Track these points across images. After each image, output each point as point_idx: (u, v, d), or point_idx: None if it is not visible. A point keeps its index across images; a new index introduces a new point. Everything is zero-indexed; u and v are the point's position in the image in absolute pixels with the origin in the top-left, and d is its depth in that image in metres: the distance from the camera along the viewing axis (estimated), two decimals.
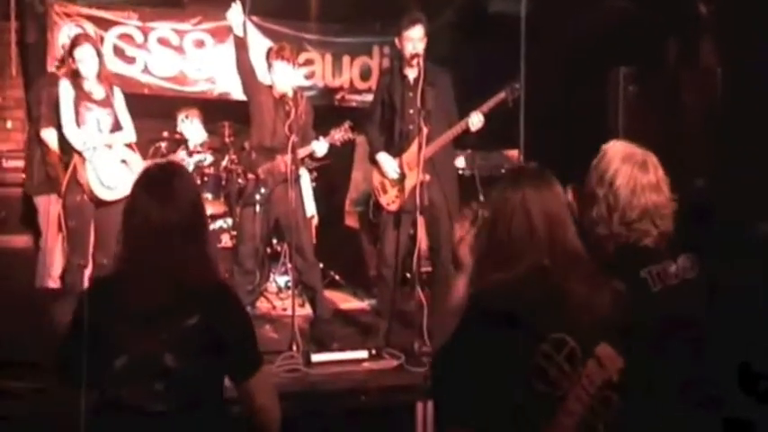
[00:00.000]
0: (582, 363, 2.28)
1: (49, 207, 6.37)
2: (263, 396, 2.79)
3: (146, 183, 2.70)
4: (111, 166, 5.80)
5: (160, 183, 2.67)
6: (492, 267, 2.43)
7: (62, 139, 5.81)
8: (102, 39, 7.59)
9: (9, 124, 7.37)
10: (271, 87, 5.96)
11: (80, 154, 5.70)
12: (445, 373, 2.42)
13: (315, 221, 6.43)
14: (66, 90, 5.75)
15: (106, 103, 5.88)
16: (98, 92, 5.87)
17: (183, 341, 2.55)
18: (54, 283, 6.30)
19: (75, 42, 5.84)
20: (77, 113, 5.73)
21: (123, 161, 5.91)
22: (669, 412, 2.76)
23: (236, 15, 5.81)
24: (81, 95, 5.77)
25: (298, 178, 5.76)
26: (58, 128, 5.77)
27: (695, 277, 2.89)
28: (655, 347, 2.79)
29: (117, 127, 5.92)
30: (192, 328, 2.56)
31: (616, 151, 2.89)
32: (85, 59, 5.76)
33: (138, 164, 6.05)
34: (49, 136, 6.21)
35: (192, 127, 7.31)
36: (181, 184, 2.68)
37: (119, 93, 6.02)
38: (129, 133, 5.98)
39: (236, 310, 2.77)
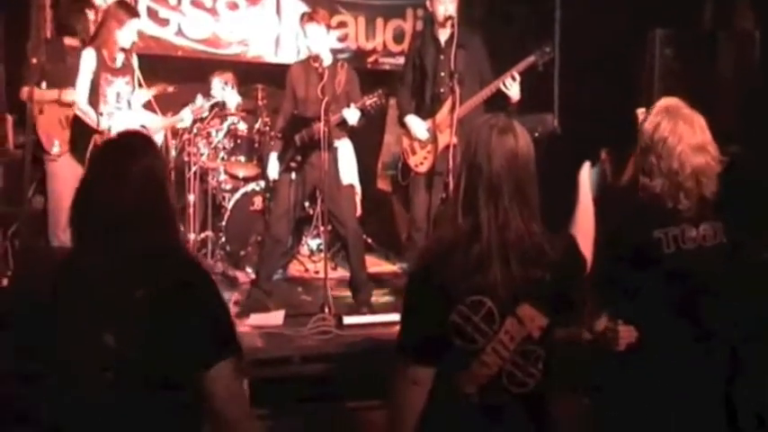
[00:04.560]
0: (500, 321, 2.45)
1: (55, 168, 6.40)
2: (224, 395, 2.35)
3: (100, 157, 2.54)
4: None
5: (115, 159, 2.46)
6: (446, 224, 2.59)
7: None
8: (136, 1, 7.59)
9: (44, 86, 7.40)
10: (304, 60, 6.02)
11: (98, 131, 5.74)
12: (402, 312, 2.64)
13: (357, 191, 6.40)
14: (89, 60, 5.74)
15: (126, 70, 5.92)
16: (119, 59, 5.89)
17: (129, 320, 2.30)
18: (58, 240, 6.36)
19: (127, 13, 5.87)
20: (98, 85, 5.76)
21: (143, 126, 5.93)
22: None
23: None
24: (103, 66, 5.78)
25: (332, 144, 5.77)
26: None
27: (715, 245, 2.93)
28: (659, 305, 2.86)
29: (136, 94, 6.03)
30: (138, 304, 2.29)
31: (671, 110, 3.02)
32: (132, 32, 5.84)
33: (157, 126, 6.07)
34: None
35: (227, 92, 7.33)
36: (138, 160, 2.42)
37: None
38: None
39: (203, 289, 2.41)
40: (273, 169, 6.04)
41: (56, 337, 2.38)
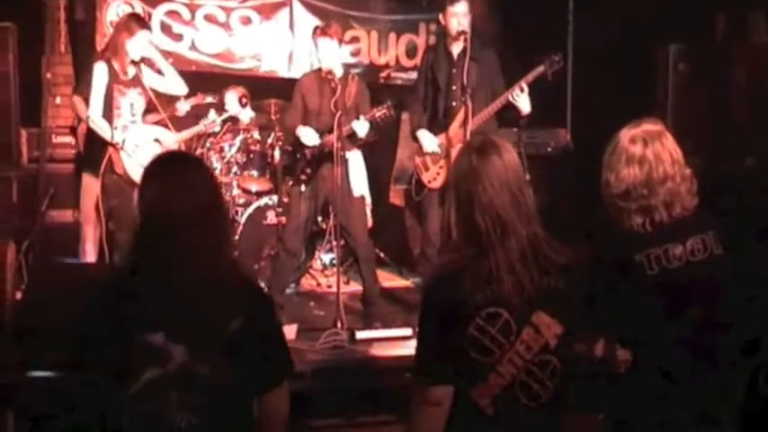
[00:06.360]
0: (516, 332, 2.45)
1: (87, 183, 6.42)
2: (278, 411, 2.54)
3: (163, 171, 2.48)
4: (144, 145, 5.86)
5: (179, 172, 2.47)
6: (452, 247, 2.58)
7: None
8: (149, 16, 7.63)
9: (58, 100, 7.44)
10: (315, 72, 6.01)
11: (112, 144, 5.77)
12: (418, 335, 2.64)
13: (368, 202, 6.40)
14: (101, 73, 5.77)
15: (136, 81, 5.94)
16: (130, 71, 5.92)
17: (224, 349, 2.34)
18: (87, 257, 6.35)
19: (138, 25, 5.91)
20: (111, 98, 5.78)
21: (156, 140, 5.97)
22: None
23: None
24: (115, 79, 5.81)
25: (344, 156, 5.76)
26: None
27: (706, 258, 2.86)
28: (652, 327, 2.81)
29: (148, 107, 6.03)
30: (234, 333, 2.34)
31: (622, 133, 3.00)
32: (142, 45, 5.86)
33: (171, 140, 6.10)
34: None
35: (241, 107, 7.35)
36: (200, 173, 2.50)
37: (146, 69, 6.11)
38: (178, 88, 6.25)
39: (271, 313, 2.56)
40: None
41: (117, 351, 2.32)
